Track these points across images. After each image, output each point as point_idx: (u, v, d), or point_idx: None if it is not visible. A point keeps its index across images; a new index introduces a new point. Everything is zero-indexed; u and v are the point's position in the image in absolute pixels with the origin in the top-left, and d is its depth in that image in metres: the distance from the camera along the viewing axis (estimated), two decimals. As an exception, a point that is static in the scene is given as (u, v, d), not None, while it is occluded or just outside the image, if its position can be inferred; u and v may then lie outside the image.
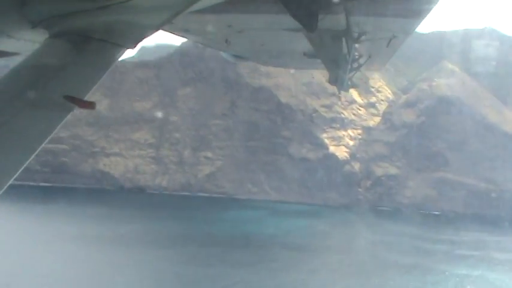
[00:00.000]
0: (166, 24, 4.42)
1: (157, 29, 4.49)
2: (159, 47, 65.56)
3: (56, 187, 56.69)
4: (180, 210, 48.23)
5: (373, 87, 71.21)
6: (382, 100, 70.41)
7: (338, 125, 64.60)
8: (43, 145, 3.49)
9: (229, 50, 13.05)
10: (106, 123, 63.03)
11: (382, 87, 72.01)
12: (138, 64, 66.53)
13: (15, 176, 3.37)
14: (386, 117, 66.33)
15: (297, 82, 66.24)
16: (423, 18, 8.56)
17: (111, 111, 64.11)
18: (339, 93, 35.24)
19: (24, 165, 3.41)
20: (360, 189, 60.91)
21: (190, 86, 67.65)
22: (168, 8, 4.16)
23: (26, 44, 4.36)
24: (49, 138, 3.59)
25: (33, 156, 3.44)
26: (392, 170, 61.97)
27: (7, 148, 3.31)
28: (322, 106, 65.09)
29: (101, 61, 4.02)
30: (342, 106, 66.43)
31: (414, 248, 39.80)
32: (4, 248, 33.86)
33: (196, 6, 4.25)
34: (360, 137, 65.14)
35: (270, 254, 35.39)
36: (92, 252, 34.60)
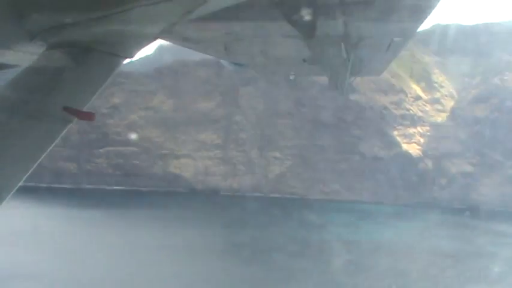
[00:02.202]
0: (164, 33, 4.40)
1: (155, 38, 4.53)
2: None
3: (130, 190, 55.98)
4: (264, 213, 47.02)
5: (436, 82, 69.77)
6: (445, 96, 68.90)
7: (408, 122, 63.22)
8: (43, 157, 3.40)
9: (229, 58, 13.04)
10: (172, 124, 62.20)
11: (444, 82, 70.54)
12: (199, 63, 65.45)
13: (15, 189, 3.26)
14: (455, 112, 64.76)
15: (363, 79, 64.81)
16: (422, 22, 8.38)
17: (176, 112, 63.26)
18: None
19: (25, 178, 3.30)
20: (435, 188, 59.55)
21: (252, 85, 66.47)
22: (166, 17, 4.14)
23: (24, 55, 4.35)
24: (49, 150, 3.50)
25: (32, 169, 3.34)
26: (467, 167, 60.51)
27: (6, 160, 3.26)
28: (391, 103, 63.73)
29: (100, 72, 4.00)
30: (409, 102, 65.12)
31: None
32: (93, 253, 33.01)
33: (195, 15, 4.21)
34: (428, 133, 63.72)
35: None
36: (187, 260, 33.38)
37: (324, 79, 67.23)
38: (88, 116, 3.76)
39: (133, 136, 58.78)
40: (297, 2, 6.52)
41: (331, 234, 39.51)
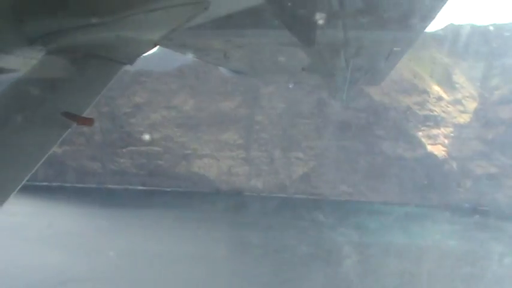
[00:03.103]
0: (164, 39, 4.39)
1: (155, 45, 4.49)
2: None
3: (155, 191, 55.42)
4: (296, 215, 46.52)
5: (457, 83, 69.33)
6: (467, 97, 68.43)
7: (432, 123, 62.78)
8: (41, 162, 3.36)
9: (228, 65, 13.01)
10: (194, 124, 61.64)
11: (465, 83, 70.10)
12: (220, 62, 64.96)
13: (13, 194, 3.21)
14: (479, 114, 64.32)
15: (387, 79, 64.35)
16: (422, 31, 8.39)
17: (198, 111, 62.70)
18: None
19: (23, 183, 3.24)
20: (460, 189, 59.12)
21: (273, 84, 65.92)
22: (166, 24, 4.09)
23: (23, 60, 4.34)
24: (47, 155, 3.44)
25: (30, 174, 3.28)
26: (492, 169, 60.07)
27: (4, 165, 3.22)
28: (415, 104, 63.27)
29: (99, 77, 3.94)
30: (432, 103, 64.71)
31: None
32: (143, 255, 32.45)
33: (194, 22, 4.17)
34: (452, 135, 63.29)
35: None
36: (235, 262, 32.86)
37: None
38: (87, 122, 3.74)
39: (155, 136, 58.28)
40: (296, 10, 6.41)
41: (379, 238, 38.78)
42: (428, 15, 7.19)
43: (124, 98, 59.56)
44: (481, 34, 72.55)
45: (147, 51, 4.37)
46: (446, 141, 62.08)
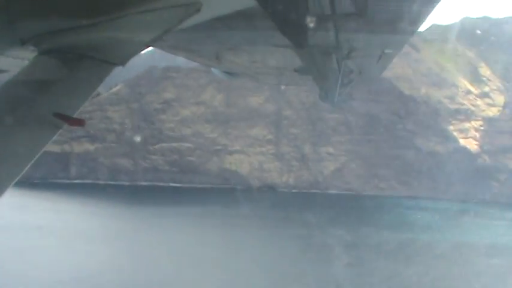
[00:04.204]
0: (156, 41, 4.36)
1: (147, 46, 4.49)
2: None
3: (188, 188, 54.77)
4: (333, 211, 46.00)
5: (483, 76, 68.78)
6: (494, 89, 67.89)
7: (462, 117, 62.28)
8: (32, 161, 3.38)
9: (220, 67, 13.07)
10: (224, 119, 60.98)
11: (491, 76, 69.55)
12: (247, 57, 64.28)
13: (3, 193, 3.25)
14: (508, 107, 63.81)
15: (416, 73, 63.93)
16: (412, 34, 8.49)
17: (226, 106, 62.02)
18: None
19: (13, 183, 3.28)
20: (494, 183, 58.67)
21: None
22: (158, 25, 4.09)
23: (15, 61, 4.35)
24: (38, 155, 3.45)
25: (21, 175, 3.32)
26: (525, 163, 59.68)
27: None
28: (445, 97, 62.72)
29: (91, 78, 3.94)
30: (461, 96, 64.17)
31: None
32: (188, 254, 31.75)
33: (187, 24, 4.16)
34: (482, 128, 62.79)
35: None
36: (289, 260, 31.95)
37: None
38: (78, 123, 3.71)
39: (186, 132, 57.61)
40: (288, 12, 6.45)
41: (431, 235, 38.08)
42: (419, 18, 7.30)
43: (154, 94, 58.82)
44: (498, 26, 72.33)
45: (139, 52, 4.34)
46: (477, 134, 61.59)
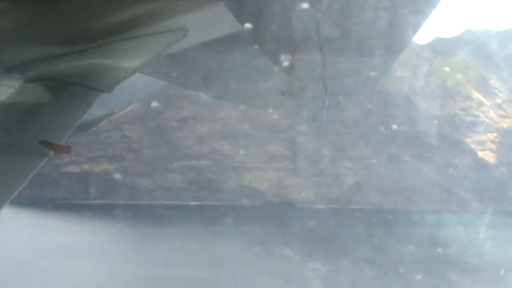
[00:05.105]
0: (143, 67, 4.37)
1: (134, 72, 4.46)
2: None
3: (209, 205, 54.09)
4: (363, 227, 45.33)
5: (495, 88, 69.21)
6: (506, 101, 68.30)
7: (478, 129, 62.46)
8: (19, 190, 3.30)
9: (207, 91, 13.41)
10: (240, 136, 60.63)
11: (502, 88, 70.03)
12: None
13: None
14: (523, 118, 64.20)
15: (429, 86, 64.16)
16: (397, 57, 8.75)
17: (242, 123, 61.71)
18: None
19: None
20: (514, 195, 58.64)
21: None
22: (145, 52, 4.08)
23: (1, 89, 4.30)
24: (24, 184, 3.37)
25: (6, 203, 3.23)
26: (543, 174, 59.76)
27: None
28: (461, 110, 62.94)
29: (78, 105, 3.89)
30: (475, 109, 64.46)
31: None
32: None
33: (173, 49, 4.16)
34: (497, 140, 62.99)
35: None
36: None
37: (391, 86, 66.21)
38: (65, 150, 3.75)
39: (204, 149, 57.22)
40: (275, 36, 6.54)
41: (481, 250, 37.48)
42: (402, 41, 7.57)
43: (170, 111, 58.50)
44: (502, 38, 73.05)
45: (126, 78, 4.32)
46: (493, 146, 61.74)
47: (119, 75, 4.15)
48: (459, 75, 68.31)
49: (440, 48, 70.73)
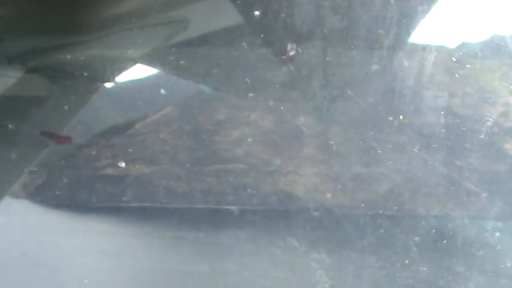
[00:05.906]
0: (144, 58, 4.69)
1: (135, 63, 5.02)
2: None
3: (245, 210, 53.62)
4: (409, 234, 44.56)
5: (530, 93, 68.06)
6: (542, 105, 67.13)
7: (517, 134, 61.35)
8: (20, 179, 3.12)
9: (208, 83, 13.45)
10: (274, 139, 60.24)
11: (536, 92, 68.86)
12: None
13: None
14: (561, 124, 62.96)
15: (472, 87, 63.19)
16: (400, 49, 8.88)
17: (276, 126, 61.31)
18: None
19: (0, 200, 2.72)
20: (554, 202, 57.52)
21: (342, 96, 64.48)
22: (146, 43, 4.33)
23: (2, 79, 4.51)
24: (25, 173, 2.76)
25: (8, 191, 3.22)
26: None
27: None
28: (500, 115, 61.82)
29: (78, 96, 4.10)
30: (513, 113, 63.40)
31: None
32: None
33: (174, 40, 4.41)
34: (536, 145, 61.89)
35: None
36: None
37: (425, 91, 65.26)
38: (65, 140, 3.79)
39: (239, 152, 56.86)
40: (276, 28, 6.51)
41: None
42: (405, 34, 7.64)
43: (205, 115, 58.30)
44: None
45: (127, 69, 4.24)
46: (533, 152, 60.65)
47: (120, 66, 4.21)
48: (492, 78, 67.33)
49: (469, 52, 70.04)
